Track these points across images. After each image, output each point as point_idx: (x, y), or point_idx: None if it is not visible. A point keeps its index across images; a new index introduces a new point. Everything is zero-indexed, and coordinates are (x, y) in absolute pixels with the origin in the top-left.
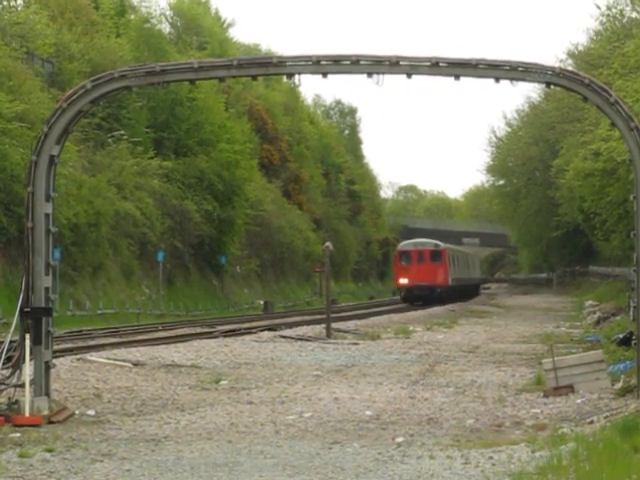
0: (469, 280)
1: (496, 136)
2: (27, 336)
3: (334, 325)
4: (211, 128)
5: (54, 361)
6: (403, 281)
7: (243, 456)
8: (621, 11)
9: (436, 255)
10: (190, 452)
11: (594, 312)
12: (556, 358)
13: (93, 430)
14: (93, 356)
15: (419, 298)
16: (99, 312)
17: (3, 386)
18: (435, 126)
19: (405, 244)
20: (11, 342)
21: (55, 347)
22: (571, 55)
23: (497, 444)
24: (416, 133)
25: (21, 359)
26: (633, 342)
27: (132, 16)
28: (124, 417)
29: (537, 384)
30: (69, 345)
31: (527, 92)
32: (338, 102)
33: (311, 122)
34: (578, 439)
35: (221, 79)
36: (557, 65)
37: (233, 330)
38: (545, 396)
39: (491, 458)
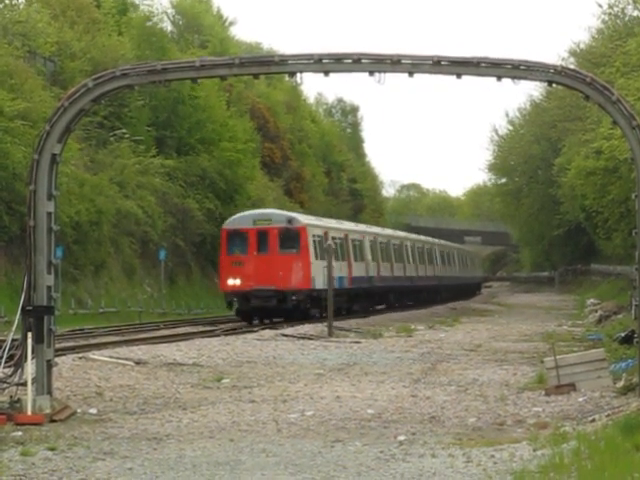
0: (407, 280)
1: (498, 134)
2: (29, 335)
3: (336, 323)
4: (213, 127)
5: (56, 359)
6: (233, 282)
7: (245, 454)
8: (623, 9)
9: (289, 238)
10: (192, 450)
11: (596, 310)
12: (558, 356)
13: (95, 428)
14: (95, 354)
15: (261, 312)
16: (101, 310)
17: (5, 385)
18: (437, 124)
19: (237, 219)
20: (13, 340)
21: (57, 345)
22: (573, 53)
23: (499, 442)
24: (418, 131)
25: (23, 358)
26: (635, 340)
27: (134, 14)
28: (126, 415)
29: (539, 382)
30: (71, 343)
31: (529, 90)
32: (340, 100)
33: (313, 120)
34: (580, 437)
35: (223, 77)
36: (559, 63)
37: (234, 328)
38: (547, 394)
39: (493, 456)
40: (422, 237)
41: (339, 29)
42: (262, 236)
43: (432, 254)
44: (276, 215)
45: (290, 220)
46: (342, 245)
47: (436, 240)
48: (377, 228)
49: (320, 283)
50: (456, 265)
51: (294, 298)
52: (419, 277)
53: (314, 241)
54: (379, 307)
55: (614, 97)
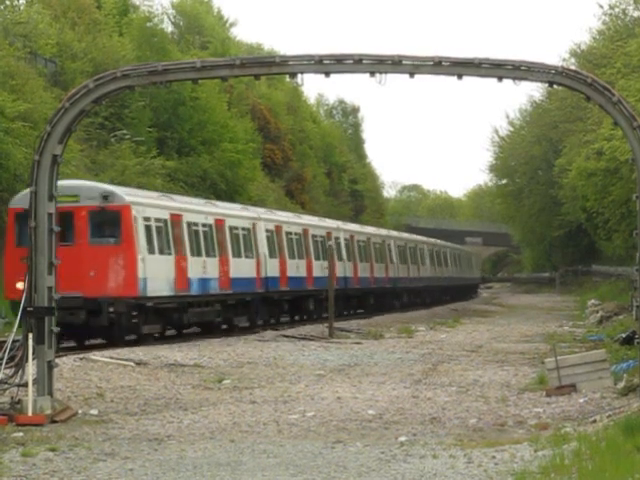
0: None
1: (499, 135)
2: (30, 335)
3: (337, 324)
4: (214, 127)
5: (57, 360)
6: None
7: (246, 455)
8: (624, 10)
9: (106, 222)
10: (193, 451)
11: (597, 311)
12: (559, 357)
13: (96, 429)
14: (96, 355)
15: (67, 330)
16: None
17: (6, 385)
18: (438, 125)
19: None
20: (14, 341)
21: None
22: (574, 54)
23: (500, 443)
24: (419, 132)
25: (24, 358)
26: (636, 341)
27: (134, 15)
28: (127, 416)
29: (540, 383)
30: (72, 344)
31: (530, 91)
32: (341, 101)
33: (314, 121)
34: (581, 438)
35: (224, 78)
36: (560, 64)
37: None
38: (548, 395)
39: (494, 457)
40: (406, 235)
41: (340, 30)
42: (65, 219)
43: (418, 253)
44: (86, 188)
45: (107, 196)
46: (298, 241)
47: (424, 238)
48: (355, 225)
49: (159, 287)
50: (449, 265)
51: (112, 310)
52: (402, 278)
53: (148, 227)
54: (359, 311)
55: (615, 98)
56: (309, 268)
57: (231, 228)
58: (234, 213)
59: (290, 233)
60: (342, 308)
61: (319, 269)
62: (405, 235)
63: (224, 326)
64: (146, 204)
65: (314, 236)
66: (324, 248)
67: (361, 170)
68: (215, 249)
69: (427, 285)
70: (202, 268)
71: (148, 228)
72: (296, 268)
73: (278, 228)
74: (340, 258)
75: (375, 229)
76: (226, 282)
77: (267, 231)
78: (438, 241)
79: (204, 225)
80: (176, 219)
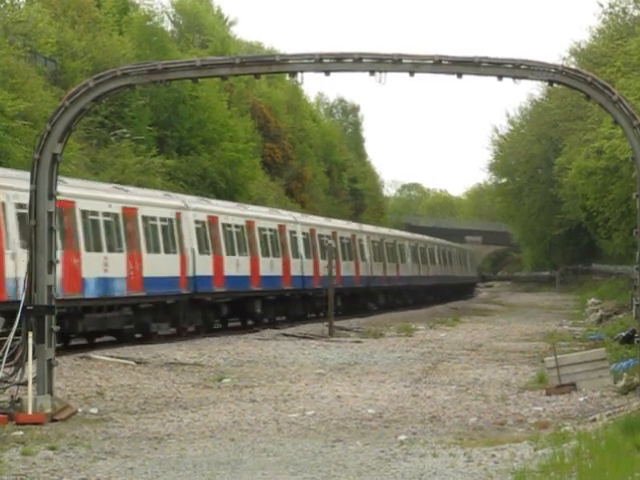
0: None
1: (498, 134)
2: (30, 334)
3: (336, 323)
4: (214, 126)
5: (57, 359)
6: None
7: (246, 454)
8: (624, 9)
9: None
10: (193, 450)
11: (596, 310)
12: (558, 356)
13: (96, 428)
14: (96, 354)
15: None
16: None
17: (6, 384)
18: (437, 124)
19: None
20: (14, 340)
21: (58, 345)
22: (574, 53)
23: (500, 442)
24: (419, 131)
25: (24, 357)
26: (636, 340)
27: (134, 14)
28: (127, 415)
29: (540, 382)
30: (72, 343)
31: (530, 90)
32: (341, 100)
33: (314, 120)
34: (581, 437)
35: (223, 77)
36: (560, 63)
37: (236, 328)
38: (548, 394)
39: (494, 456)
40: (384, 230)
41: (340, 29)
42: None
43: (397, 250)
44: None
45: None
46: (240, 235)
47: (406, 234)
48: (318, 218)
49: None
50: (436, 264)
51: None
52: (377, 278)
53: (22, 216)
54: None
55: (615, 97)
56: (254, 266)
57: (146, 218)
58: (150, 201)
59: (229, 225)
60: (301, 311)
61: (268, 267)
62: (383, 230)
63: (138, 335)
64: (21, 188)
65: (262, 230)
66: (276, 244)
67: (361, 169)
68: (123, 243)
69: (408, 285)
70: (103, 266)
71: (23, 217)
72: (236, 266)
73: (213, 219)
74: (296, 255)
75: (345, 223)
76: (137, 282)
77: (197, 223)
78: (424, 237)
79: (106, 214)
80: (67, 206)
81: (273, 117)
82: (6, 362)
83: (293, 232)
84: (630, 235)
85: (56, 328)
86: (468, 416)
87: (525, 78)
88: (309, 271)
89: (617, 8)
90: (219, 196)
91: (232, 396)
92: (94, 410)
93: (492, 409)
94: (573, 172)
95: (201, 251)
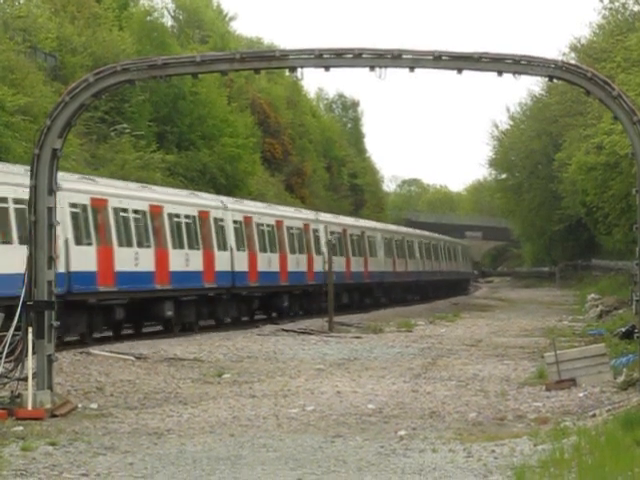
0: None
1: (498, 130)
2: (30, 330)
3: (336, 319)
4: (214, 122)
5: (57, 354)
6: None
7: (245, 449)
8: (624, 4)
9: None
10: (192, 445)
11: (596, 306)
12: (558, 352)
13: (96, 423)
14: (96, 350)
15: None
16: None
17: (6, 380)
18: (437, 120)
19: None
20: (14, 335)
21: (57, 340)
22: (574, 49)
23: (499, 438)
24: (418, 127)
25: (24, 353)
26: (635, 336)
27: (134, 9)
28: (127, 410)
29: (539, 378)
30: (72, 338)
31: (530, 85)
32: (340, 95)
33: (313, 115)
34: (580, 433)
35: (223, 73)
36: (560, 59)
37: (236, 323)
38: (547, 390)
39: (493, 452)
40: (350, 220)
41: (340, 24)
42: None
43: (366, 243)
44: None
45: None
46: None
47: (378, 225)
48: (258, 204)
49: None
50: (416, 258)
51: None
52: (336, 274)
53: None
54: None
55: (615, 92)
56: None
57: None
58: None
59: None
60: (245, 312)
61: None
62: (347, 220)
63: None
64: None
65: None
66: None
67: (361, 164)
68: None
69: (381, 281)
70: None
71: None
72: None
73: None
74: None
75: (294, 211)
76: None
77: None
78: (401, 228)
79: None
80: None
81: (273, 112)
82: (6, 357)
83: (220, 220)
84: (630, 231)
85: (56, 323)
86: (468, 411)
87: (525, 73)
88: (244, 266)
89: (617, 4)
90: (219, 192)
91: (232, 391)
92: (94, 405)
93: (492, 404)
94: (573, 168)
95: (77, 242)
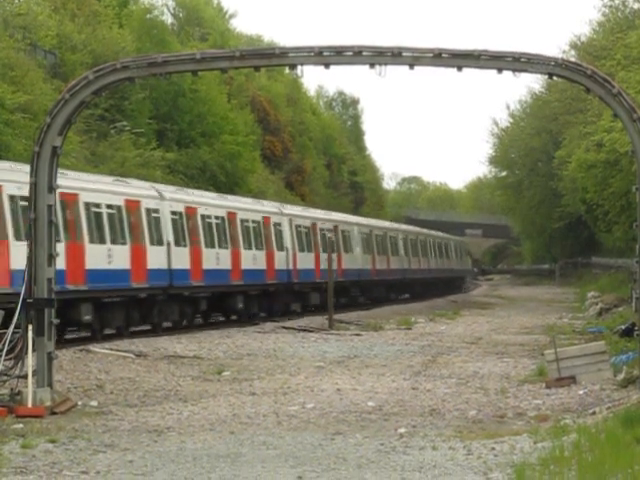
0: None
1: (498, 127)
2: (30, 327)
3: (336, 316)
4: (214, 119)
5: (56, 352)
6: None
7: (245, 447)
8: (624, 2)
9: None
10: (192, 443)
11: (596, 303)
12: (558, 349)
13: (96, 421)
14: (96, 347)
15: None
16: None
17: (6, 377)
18: (437, 117)
19: None
20: (14, 333)
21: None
22: (574, 46)
23: (499, 435)
24: (419, 124)
25: (24, 350)
26: (635, 333)
27: (134, 7)
28: (126, 408)
29: (539, 375)
30: (72, 336)
31: (530, 83)
32: (340, 93)
33: (313, 113)
34: (580, 430)
35: (223, 70)
36: (560, 56)
37: (236, 321)
38: (547, 387)
39: (493, 449)
40: (321, 213)
41: (340, 21)
42: None
43: (340, 238)
44: None
45: None
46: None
47: (354, 218)
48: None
49: None
50: (400, 254)
51: None
52: (303, 271)
53: None
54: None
55: (615, 90)
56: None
57: (275, 224)
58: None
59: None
60: (190, 314)
61: (96, 259)
62: (317, 214)
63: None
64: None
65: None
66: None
67: (361, 162)
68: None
69: (357, 279)
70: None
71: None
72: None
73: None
74: (157, 242)
75: (252, 202)
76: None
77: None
78: (383, 223)
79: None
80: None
81: (273, 110)
82: (6, 355)
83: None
84: (630, 228)
85: (56, 321)
86: (468, 409)
87: (525, 71)
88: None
89: (617, 1)
90: (219, 189)
91: (232, 389)
92: (94, 403)
93: (492, 402)
94: (573, 165)
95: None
